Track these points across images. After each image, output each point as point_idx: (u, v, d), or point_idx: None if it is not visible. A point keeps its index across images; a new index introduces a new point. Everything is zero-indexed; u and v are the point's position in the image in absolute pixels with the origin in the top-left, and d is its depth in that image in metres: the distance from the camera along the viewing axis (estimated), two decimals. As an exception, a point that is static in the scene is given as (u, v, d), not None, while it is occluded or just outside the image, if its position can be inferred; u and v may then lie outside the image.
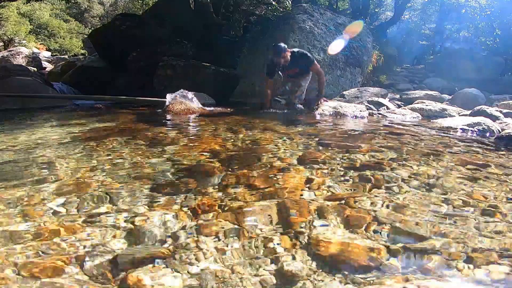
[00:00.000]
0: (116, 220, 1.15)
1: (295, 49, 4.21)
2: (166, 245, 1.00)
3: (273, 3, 6.70)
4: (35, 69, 10.40)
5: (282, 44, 3.98)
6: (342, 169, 1.67)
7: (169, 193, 1.37)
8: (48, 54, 17.20)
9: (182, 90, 4.32)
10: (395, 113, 3.95)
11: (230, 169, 1.66)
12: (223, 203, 1.28)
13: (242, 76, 5.95)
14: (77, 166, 1.73)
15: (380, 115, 3.85)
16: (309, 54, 4.21)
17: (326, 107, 3.91)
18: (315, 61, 4.22)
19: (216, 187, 1.44)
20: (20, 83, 5.16)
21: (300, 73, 4.19)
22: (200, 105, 4.29)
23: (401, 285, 0.80)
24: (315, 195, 1.35)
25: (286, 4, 6.90)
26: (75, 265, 0.91)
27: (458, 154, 2.04)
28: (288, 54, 3.97)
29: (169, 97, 4.25)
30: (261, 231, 1.08)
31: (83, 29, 22.16)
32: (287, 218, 1.16)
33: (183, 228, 1.10)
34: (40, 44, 18.70)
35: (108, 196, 1.34)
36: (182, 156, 1.91)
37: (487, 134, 2.90)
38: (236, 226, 1.11)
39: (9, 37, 16.79)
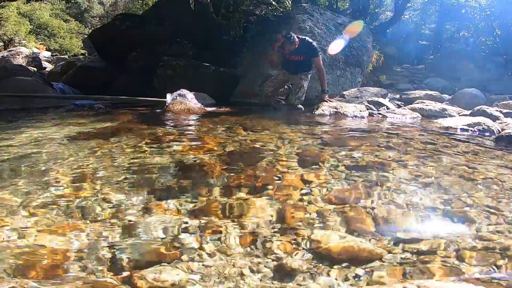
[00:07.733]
0: (116, 220, 1.15)
1: (306, 37, 4.16)
2: (166, 245, 1.00)
3: (273, 3, 6.67)
4: (35, 69, 10.38)
5: (291, 37, 3.90)
6: (342, 169, 1.67)
7: (169, 193, 1.37)
8: (48, 54, 17.17)
9: (182, 90, 4.31)
10: (395, 113, 3.95)
11: (230, 169, 1.67)
12: (224, 203, 1.28)
13: (242, 76, 5.94)
14: (77, 165, 1.73)
15: (380, 115, 3.85)
16: (315, 45, 4.13)
17: (326, 107, 3.90)
18: (320, 55, 4.15)
19: (216, 186, 1.45)
20: (20, 83, 5.15)
21: (302, 64, 4.15)
22: (200, 105, 4.29)
23: (401, 285, 0.80)
24: (315, 195, 1.35)
25: (286, 4, 6.88)
26: (74, 263, 0.91)
27: (458, 154, 2.05)
28: (295, 44, 3.94)
29: (169, 97, 4.25)
30: (262, 230, 1.08)
31: (83, 29, 22.12)
32: (287, 218, 1.16)
33: (184, 227, 1.10)
34: (40, 44, 18.67)
35: (107, 196, 1.34)
36: (182, 156, 1.91)
37: (487, 134, 2.90)
38: (236, 226, 1.11)
39: (9, 37, 16.76)
